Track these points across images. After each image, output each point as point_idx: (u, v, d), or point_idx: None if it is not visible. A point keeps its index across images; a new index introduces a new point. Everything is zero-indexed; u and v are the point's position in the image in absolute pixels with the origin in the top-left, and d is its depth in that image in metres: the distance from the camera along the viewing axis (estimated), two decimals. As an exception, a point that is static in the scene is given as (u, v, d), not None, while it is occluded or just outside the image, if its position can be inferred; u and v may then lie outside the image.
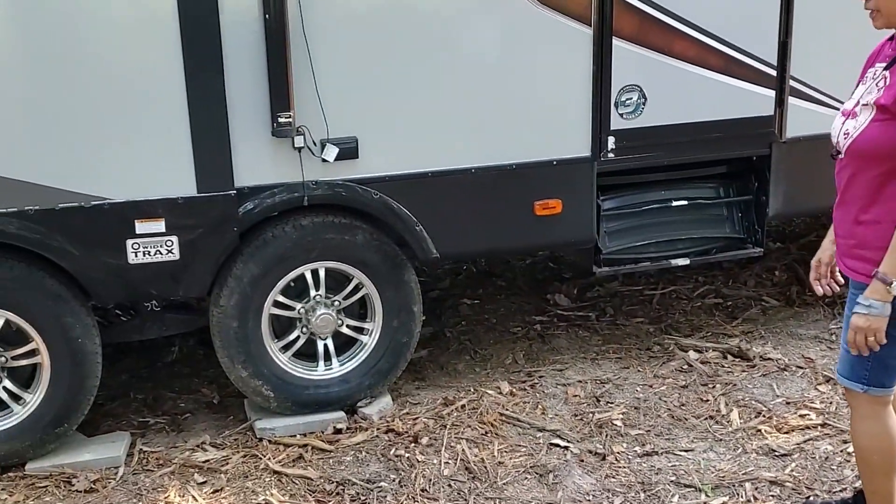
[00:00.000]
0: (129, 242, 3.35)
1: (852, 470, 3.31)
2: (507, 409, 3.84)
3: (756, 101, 3.96)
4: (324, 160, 3.46)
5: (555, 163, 3.77)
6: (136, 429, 3.82)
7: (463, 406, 3.86)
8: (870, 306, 2.48)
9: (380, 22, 3.47)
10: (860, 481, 2.96)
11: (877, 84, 2.52)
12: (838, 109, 2.71)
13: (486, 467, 3.44)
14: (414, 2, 3.52)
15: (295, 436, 3.69)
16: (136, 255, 3.37)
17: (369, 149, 3.52)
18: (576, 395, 3.96)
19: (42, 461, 3.50)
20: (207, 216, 3.40)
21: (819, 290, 2.84)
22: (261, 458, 3.54)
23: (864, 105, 2.53)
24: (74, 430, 3.56)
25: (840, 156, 2.61)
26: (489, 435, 3.65)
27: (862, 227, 2.55)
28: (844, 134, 2.56)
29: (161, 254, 3.39)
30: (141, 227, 3.34)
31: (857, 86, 2.65)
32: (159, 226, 3.35)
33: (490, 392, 3.99)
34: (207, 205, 3.39)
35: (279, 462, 3.52)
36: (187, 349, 4.52)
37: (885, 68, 2.52)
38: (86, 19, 3.17)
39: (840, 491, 3.23)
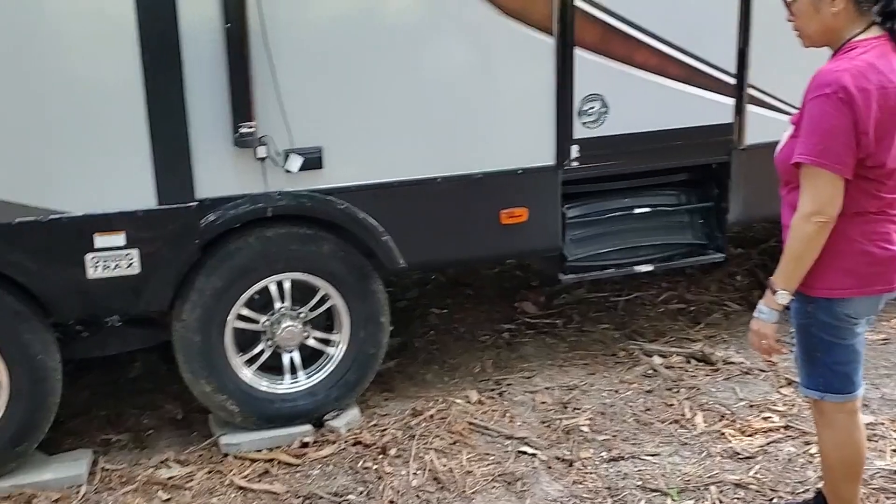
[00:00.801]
0: (89, 257, 3.30)
1: (815, 471, 3.36)
2: (475, 418, 3.84)
3: (716, 109, 4.02)
4: (287, 170, 3.43)
5: (520, 172, 3.79)
6: (98, 446, 3.75)
7: (431, 416, 3.85)
8: (760, 311, 2.61)
9: (343, 31, 3.46)
10: (822, 483, 3.00)
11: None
12: None
13: (454, 477, 3.43)
14: (377, 11, 3.51)
15: (261, 450, 3.65)
16: (96, 270, 3.32)
17: (334, 159, 3.51)
18: (543, 402, 3.97)
19: (2, 481, 3.42)
20: (168, 229, 3.36)
21: None
22: (226, 474, 3.50)
23: (789, 122, 2.64)
24: (35, 448, 3.48)
25: None
26: (458, 444, 3.65)
27: (785, 232, 2.65)
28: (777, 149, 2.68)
29: (121, 268, 3.33)
30: (100, 240, 3.29)
31: None
32: (119, 239, 3.30)
33: (458, 401, 3.99)
34: (168, 217, 3.34)
35: (245, 477, 3.48)
36: (150, 364, 4.44)
37: None
38: (42, 30, 3.12)
39: (803, 492, 3.27)
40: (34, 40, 3.11)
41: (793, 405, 3.87)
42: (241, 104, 3.30)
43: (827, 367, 2.66)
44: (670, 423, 3.77)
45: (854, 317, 2.60)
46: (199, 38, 3.25)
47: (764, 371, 4.19)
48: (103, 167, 3.26)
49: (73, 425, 3.91)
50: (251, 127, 3.31)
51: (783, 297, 2.57)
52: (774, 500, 3.23)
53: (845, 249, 2.53)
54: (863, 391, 2.74)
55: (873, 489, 3.23)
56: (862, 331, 2.65)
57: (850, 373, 2.67)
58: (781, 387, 4.03)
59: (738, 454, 3.52)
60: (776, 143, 2.75)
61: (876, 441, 3.53)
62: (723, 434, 3.68)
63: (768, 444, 3.59)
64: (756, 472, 3.40)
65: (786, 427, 3.70)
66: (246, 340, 3.70)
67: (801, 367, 2.75)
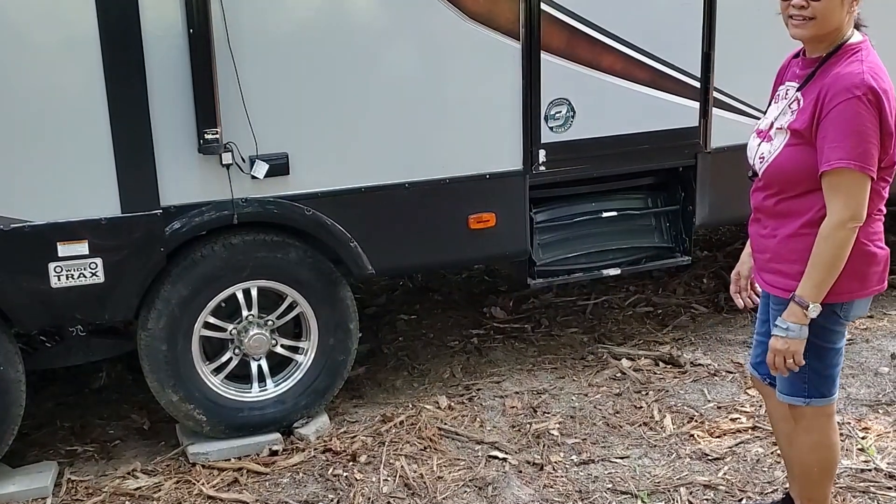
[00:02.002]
0: (52, 266, 3.24)
1: (782, 471, 3.39)
2: (445, 424, 3.84)
3: (681, 112, 4.05)
4: (253, 177, 3.41)
5: (487, 176, 3.80)
6: (63, 458, 3.70)
7: (401, 422, 3.84)
8: (787, 329, 2.49)
9: (308, 36, 3.44)
10: (789, 484, 3.03)
11: (790, 106, 2.54)
12: (759, 119, 2.76)
13: (425, 483, 3.42)
14: (343, 16, 3.50)
15: (229, 459, 3.61)
16: (59, 279, 3.26)
17: (300, 165, 3.49)
18: (513, 407, 3.97)
19: (-37, 495, 3.36)
20: (132, 237, 3.31)
21: (740, 303, 2.88)
22: (194, 484, 3.46)
23: (778, 129, 2.56)
24: (-2, 461, 3.43)
25: (757, 177, 2.65)
26: (428, 450, 3.64)
27: (776, 241, 2.59)
28: (760, 157, 2.60)
29: (85, 277, 3.29)
30: (63, 249, 3.24)
31: (770, 104, 2.69)
32: (82, 248, 3.25)
33: (428, 407, 3.98)
34: (132, 225, 3.30)
35: (213, 487, 3.44)
36: (115, 374, 4.39)
37: (798, 89, 2.54)
38: (1, 36, 3.07)
39: (772, 492, 3.30)
40: (-7, 46, 3.07)
41: (760, 406, 3.90)
42: (206, 110, 3.27)
43: (816, 372, 2.62)
44: (639, 425, 3.79)
45: (851, 320, 2.62)
46: (162, 44, 3.22)
47: (731, 373, 4.23)
48: (66, 175, 3.22)
49: (37, 437, 3.85)
50: (216, 133, 3.28)
51: (815, 310, 2.46)
52: (743, 501, 3.26)
53: (852, 252, 2.47)
54: None
55: (840, 488, 3.27)
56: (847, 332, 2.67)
57: (835, 376, 2.67)
58: (749, 388, 4.07)
59: (707, 455, 3.55)
60: (742, 145, 2.75)
61: (843, 440, 3.56)
62: (692, 436, 3.70)
63: (736, 444, 3.62)
64: (725, 473, 3.42)
65: (753, 428, 3.73)
66: (213, 349, 3.67)
67: (780, 377, 2.65)
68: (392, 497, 3.35)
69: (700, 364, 4.30)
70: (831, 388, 2.67)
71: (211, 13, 3.21)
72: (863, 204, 2.42)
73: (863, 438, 3.62)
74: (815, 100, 2.44)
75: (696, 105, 4.07)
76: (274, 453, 3.64)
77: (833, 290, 2.48)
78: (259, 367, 3.72)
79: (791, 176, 2.51)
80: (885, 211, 2.59)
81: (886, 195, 2.55)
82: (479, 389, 4.15)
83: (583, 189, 4.14)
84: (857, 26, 2.51)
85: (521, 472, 3.49)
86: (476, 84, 3.71)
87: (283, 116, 3.44)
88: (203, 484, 3.45)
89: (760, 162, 2.60)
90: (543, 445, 3.65)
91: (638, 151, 4.03)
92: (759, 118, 2.77)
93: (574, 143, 3.88)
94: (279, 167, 3.44)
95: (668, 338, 4.62)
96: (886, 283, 2.62)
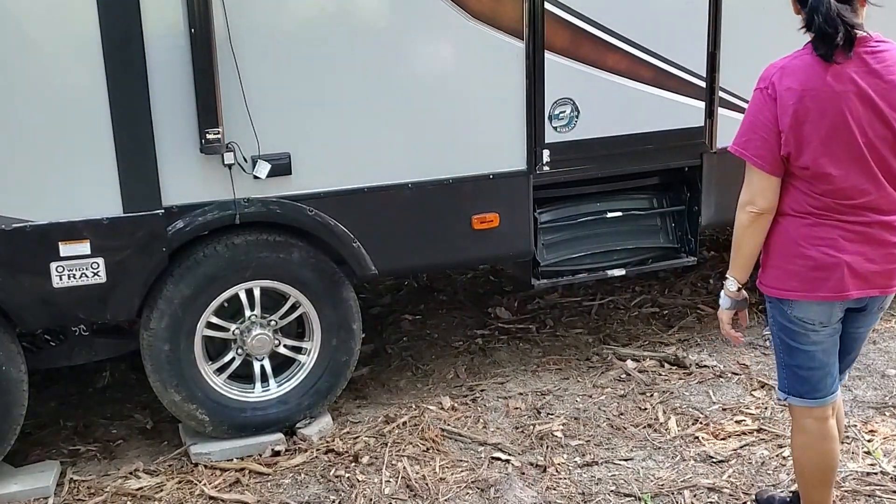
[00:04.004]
0: (54, 265, 3.24)
1: (788, 474, 3.36)
2: (448, 425, 3.82)
3: (687, 112, 4.03)
4: (255, 177, 3.40)
5: (491, 176, 3.78)
6: (66, 457, 3.70)
7: (404, 423, 3.82)
8: (720, 298, 2.74)
9: (310, 36, 3.43)
10: (795, 485, 3.01)
11: None
12: None
13: (427, 484, 3.40)
14: (345, 16, 3.49)
15: (232, 459, 3.61)
16: (61, 279, 3.26)
17: (303, 165, 3.47)
18: (517, 408, 3.95)
19: (-35, 495, 3.36)
20: (134, 237, 3.31)
21: None
22: (196, 484, 3.45)
23: None
24: (1, 460, 3.42)
25: None
26: (431, 451, 3.62)
27: None
28: None
29: (87, 276, 3.28)
30: (65, 249, 3.23)
31: None
32: (84, 248, 3.25)
33: (432, 408, 3.96)
34: (134, 225, 3.29)
35: (215, 487, 3.43)
36: (118, 374, 4.39)
37: None
38: (3, 36, 3.06)
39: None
40: (-5, 46, 3.06)
41: (766, 408, 3.87)
42: (208, 110, 3.26)
43: (790, 369, 2.68)
44: (644, 427, 3.77)
45: (806, 322, 2.59)
46: (164, 44, 3.21)
47: (737, 374, 4.20)
48: (68, 175, 3.21)
49: (40, 436, 3.85)
50: (218, 133, 3.27)
51: (731, 284, 2.66)
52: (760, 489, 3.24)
53: (788, 251, 2.56)
54: (834, 399, 2.72)
55: (846, 491, 3.24)
56: (824, 339, 2.62)
57: (811, 379, 2.66)
58: (754, 390, 4.04)
59: (712, 458, 3.52)
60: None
61: (848, 443, 3.54)
62: (696, 438, 3.67)
63: (741, 447, 3.59)
64: (729, 476, 3.40)
65: (759, 430, 3.70)
66: (216, 349, 3.66)
67: (777, 371, 2.77)
68: (394, 498, 3.34)
69: (706, 366, 4.27)
70: (809, 391, 2.67)
71: (212, 13, 3.20)
72: (760, 192, 2.51)
73: (869, 441, 3.59)
74: None
75: (702, 105, 4.04)
76: (276, 454, 3.64)
77: (770, 282, 2.62)
78: (262, 367, 3.71)
79: None
80: (847, 217, 2.49)
81: (825, 198, 2.47)
82: (482, 390, 4.13)
83: (587, 189, 4.12)
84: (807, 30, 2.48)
85: (524, 473, 3.47)
86: (480, 84, 3.69)
87: (286, 116, 3.43)
88: (205, 484, 3.44)
89: None
90: (547, 447, 3.63)
91: (643, 151, 4.01)
92: None
93: (578, 143, 3.86)
94: (281, 167, 3.43)
95: (673, 339, 4.59)
96: (852, 293, 2.53)
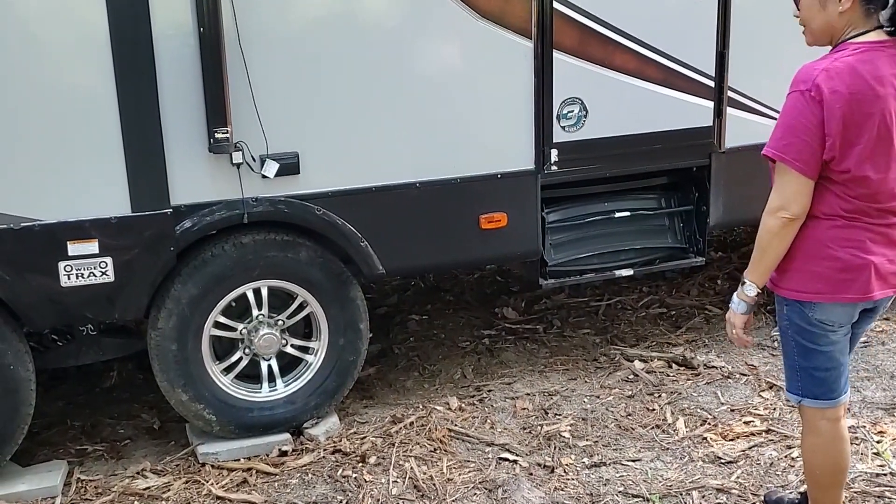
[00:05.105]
0: (62, 265, 3.24)
1: (796, 475, 3.35)
2: (455, 425, 3.81)
3: (695, 111, 4.02)
4: (264, 176, 3.39)
5: (499, 176, 3.77)
6: (73, 457, 3.70)
7: (411, 423, 3.82)
8: (732, 301, 2.68)
9: (319, 36, 3.43)
10: (804, 486, 2.99)
11: None
12: (775, 119, 2.74)
13: (434, 485, 3.40)
14: (354, 15, 3.48)
15: (239, 459, 3.60)
16: (69, 278, 3.26)
17: (311, 164, 3.47)
18: (524, 409, 3.94)
19: (-27, 494, 3.37)
20: (143, 236, 3.31)
21: None
22: (203, 484, 3.45)
23: None
24: (8, 460, 3.42)
25: None
26: (438, 452, 3.61)
27: None
28: None
29: (95, 276, 3.28)
30: (73, 248, 3.23)
31: None
32: (92, 247, 3.25)
33: (439, 408, 3.96)
34: (142, 224, 3.29)
35: (222, 487, 3.43)
36: (126, 374, 4.39)
37: None
38: (13, 36, 3.06)
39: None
40: (4, 47, 3.06)
41: (774, 409, 3.86)
42: (216, 109, 3.25)
43: (805, 371, 2.66)
44: (652, 428, 3.76)
45: (827, 323, 2.58)
46: (173, 43, 3.21)
47: (745, 375, 4.18)
48: (76, 174, 3.21)
49: (47, 436, 3.86)
50: (226, 132, 3.27)
51: (750, 289, 2.61)
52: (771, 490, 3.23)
53: (815, 253, 2.53)
54: (846, 398, 2.72)
55: (855, 493, 3.23)
56: (840, 339, 2.62)
57: (827, 380, 2.65)
58: (763, 390, 4.03)
59: (720, 459, 3.51)
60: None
61: (857, 444, 3.52)
62: (704, 439, 3.66)
63: (750, 448, 3.58)
64: (738, 477, 3.38)
65: (767, 431, 3.69)
66: (223, 348, 3.66)
67: (786, 374, 2.74)
68: (401, 499, 3.33)
69: (713, 366, 4.26)
70: (825, 392, 2.66)
71: (221, 12, 3.20)
72: (794, 197, 2.46)
73: (878, 442, 3.57)
74: None
75: (711, 104, 4.03)
76: (283, 454, 3.63)
77: (793, 285, 2.57)
78: (269, 367, 3.71)
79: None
80: (874, 220, 2.50)
81: (858, 201, 2.48)
82: (490, 391, 4.12)
83: (595, 189, 4.11)
84: (892, 25, 2.46)
85: (531, 474, 3.46)
86: (488, 83, 3.68)
87: (294, 116, 3.42)
88: (212, 484, 3.44)
89: None
90: (554, 448, 3.62)
91: (651, 151, 4.00)
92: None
93: (587, 143, 3.85)
94: (290, 166, 3.42)
95: (681, 339, 4.57)
96: (875, 294, 2.54)
